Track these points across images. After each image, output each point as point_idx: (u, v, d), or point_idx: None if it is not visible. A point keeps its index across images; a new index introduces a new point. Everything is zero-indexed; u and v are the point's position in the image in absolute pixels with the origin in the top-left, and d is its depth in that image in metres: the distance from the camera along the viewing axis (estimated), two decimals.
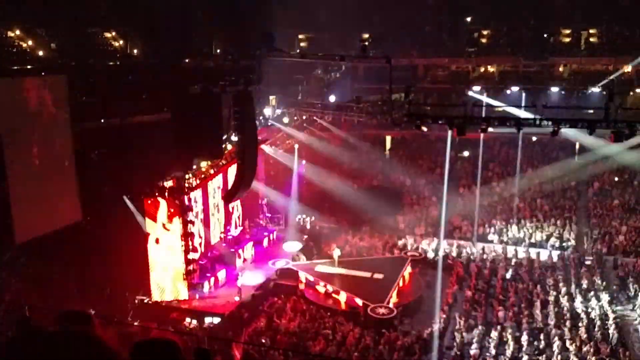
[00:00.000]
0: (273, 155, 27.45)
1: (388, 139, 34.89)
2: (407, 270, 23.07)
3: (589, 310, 19.50)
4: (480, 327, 18.54)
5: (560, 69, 34.92)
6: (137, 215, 20.82)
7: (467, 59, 35.64)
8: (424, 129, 19.20)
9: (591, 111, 22.58)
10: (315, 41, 36.25)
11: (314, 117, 28.20)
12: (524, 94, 28.93)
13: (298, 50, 34.24)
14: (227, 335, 18.27)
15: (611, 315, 18.98)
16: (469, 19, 36.87)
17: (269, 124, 26.22)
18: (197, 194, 21.81)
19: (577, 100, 30.24)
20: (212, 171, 22.79)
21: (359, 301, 20.31)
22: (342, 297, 21.11)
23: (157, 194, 20.37)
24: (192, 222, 20.92)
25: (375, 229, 27.05)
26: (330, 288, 21.52)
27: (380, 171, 32.18)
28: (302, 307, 20.70)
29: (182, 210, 20.32)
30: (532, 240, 25.36)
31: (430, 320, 19.43)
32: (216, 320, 19.59)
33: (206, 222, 22.86)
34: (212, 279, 21.62)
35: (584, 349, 17.01)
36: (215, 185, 23.78)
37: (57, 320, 1.95)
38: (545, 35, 34.57)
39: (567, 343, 17.32)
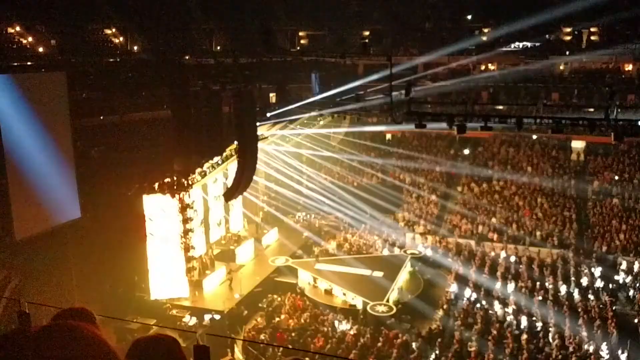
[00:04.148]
0: (273, 153, 27.39)
1: (388, 137, 34.83)
2: (407, 268, 23.08)
3: (589, 308, 19.51)
4: (479, 325, 18.55)
5: (561, 67, 34.82)
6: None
7: (468, 57, 35.52)
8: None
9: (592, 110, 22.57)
10: (316, 39, 36.15)
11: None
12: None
13: (298, 48, 34.22)
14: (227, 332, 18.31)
15: (610, 314, 18.99)
16: (469, 17, 36.79)
17: (269, 122, 26.15)
18: (197, 191, 21.79)
19: (578, 98, 30.12)
20: (212, 169, 22.78)
21: (359, 299, 20.33)
22: (342, 294, 21.13)
23: (156, 191, 20.34)
24: (192, 220, 20.91)
25: (375, 227, 27.04)
26: (329, 286, 21.52)
27: (380, 169, 32.15)
28: (302, 305, 20.73)
29: (181, 207, 20.31)
30: (532, 239, 25.37)
31: (429, 318, 19.43)
32: (216, 317, 19.61)
33: (206, 220, 22.85)
34: (212, 276, 21.63)
35: (584, 347, 17.03)
36: (215, 182, 23.75)
37: (55, 318, 1.93)
38: (546, 34, 34.43)
39: (567, 341, 17.35)
